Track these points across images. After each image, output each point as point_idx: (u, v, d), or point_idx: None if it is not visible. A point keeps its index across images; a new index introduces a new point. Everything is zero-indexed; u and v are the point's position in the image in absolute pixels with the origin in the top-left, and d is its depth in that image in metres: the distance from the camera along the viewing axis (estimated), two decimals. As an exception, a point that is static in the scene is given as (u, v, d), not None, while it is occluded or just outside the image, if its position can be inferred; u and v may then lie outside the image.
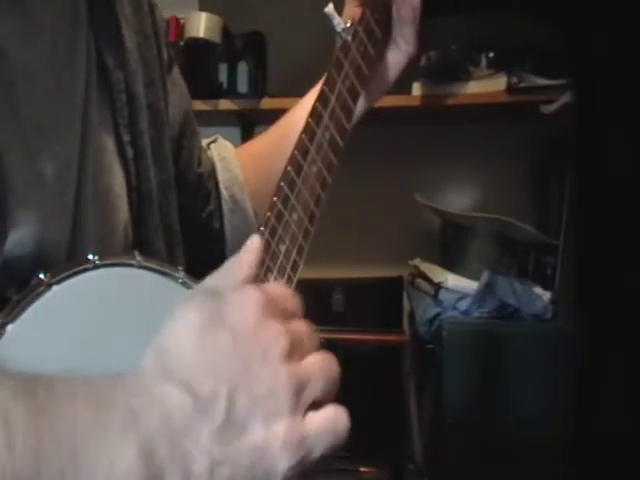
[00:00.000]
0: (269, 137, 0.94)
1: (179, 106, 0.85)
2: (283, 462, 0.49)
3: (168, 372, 0.50)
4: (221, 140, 0.96)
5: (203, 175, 0.89)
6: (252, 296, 0.52)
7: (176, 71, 0.86)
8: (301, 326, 0.54)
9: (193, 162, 0.88)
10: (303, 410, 0.51)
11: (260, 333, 0.51)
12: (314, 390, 0.51)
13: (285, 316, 0.53)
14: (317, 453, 0.51)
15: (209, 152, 0.93)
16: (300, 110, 0.86)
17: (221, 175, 0.91)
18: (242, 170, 0.93)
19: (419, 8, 0.84)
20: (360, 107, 0.84)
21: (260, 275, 0.59)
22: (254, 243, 0.58)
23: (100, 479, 0.47)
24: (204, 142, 0.93)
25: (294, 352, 0.51)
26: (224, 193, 0.90)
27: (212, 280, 0.56)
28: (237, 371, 0.50)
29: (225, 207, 0.90)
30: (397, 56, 0.87)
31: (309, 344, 0.54)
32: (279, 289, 0.56)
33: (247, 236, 0.80)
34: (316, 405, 0.51)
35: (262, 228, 0.60)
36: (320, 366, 0.52)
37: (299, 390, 0.50)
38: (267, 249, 0.61)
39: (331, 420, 0.51)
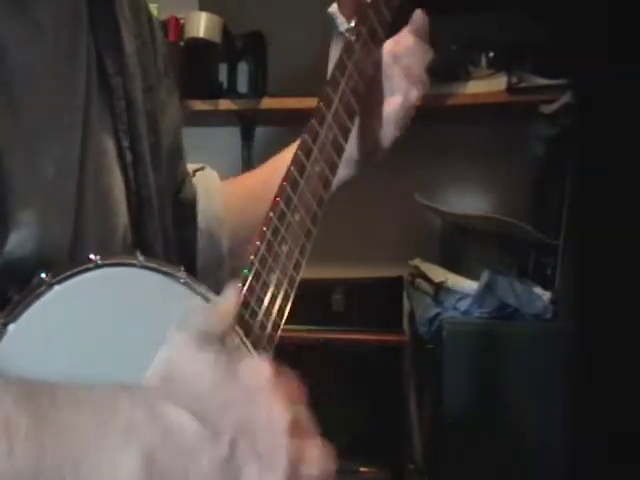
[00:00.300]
0: (263, 172, 0.93)
1: (169, 136, 0.84)
2: None
3: (177, 396, 0.52)
4: (208, 170, 0.95)
5: (182, 202, 0.88)
6: (266, 367, 0.55)
7: (172, 89, 0.86)
8: (302, 410, 0.56)
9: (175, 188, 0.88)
10: None
11: (269, 399, 0.53)
12: (310, 469, 0.53)
13: (291, 399, 0.55)
14: None
15: (194, 179, 0.92)
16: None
17: (202, 206, 0.90)
18: (233, 206, 0.92)
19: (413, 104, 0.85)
20: (345, 174, 0.85)
21: (262, 277, 0.59)
22: (233, 291, 0.60)
23: None
24: (191, 167, 0.92)
25: (295, 430, 0.53)
26: (201, 225, 0.90)
27: (202, 317, 0.58)
28: (243, 420, 0.52)
29: (200, 240, 0.89)
30: (386, 132, 0.86)
31: (310, 430, 0.56)
32: (288, 376, 0.58)
33: (216, 271, 0.84)
34: None
35: (264, 229, 0.60)
36: (317, 453, 0.54)
37: (296, 462, 0.52)
38: (270, 250, 0.61)
39: None
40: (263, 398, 0.53)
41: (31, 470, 0.46)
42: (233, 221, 0.91)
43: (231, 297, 0.60)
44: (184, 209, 0.88)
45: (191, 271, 0.87)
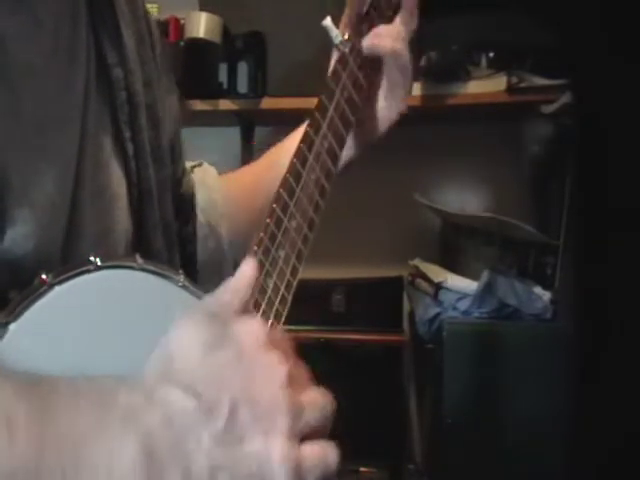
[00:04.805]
0: (261, 165, 0.94)
1: (168, 132, 0.84)
2: (281, 477, 0.50)
3: (172, 376, 0.51)
4: (205, 165, 0.96)
5: (183, 196, 0.89)
6: (258, 326, 0.55)
7: (171, 88, 0.86)
8: (297, 363, 0.56)
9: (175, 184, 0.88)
10: (299, 436, 0.52)
11: (264, 357, 0.53)
12: (310, 419, 0.53)
13: (284, 353, 0.55)
14: (311, 479, 0.52)
15: (192, 175, 0.93)
16: (292, 140, 0.87)
17: (200, 199, 0.91)
18: (232, 198, 0.93)
19: (410, 71, 0.84)
20: (348, 156, 0.86)
21: (258, 283, 0.60)
22: (249, 266, 0.59)
23: (101, 476, 0.48)
24: (188, 164, 0.93)
25: (292, 382, 0.53)
26: (200, 218, 0.90)
27: (212, 299, 0.58)
28: (239, 387, 0.51)
29: (200, 232, 0.90)
30: (387, 113, 0.87)
31: (305, 380, 0.55)
32: (278, 332, 0.58)
33: (219, 263, 0.83)
34: (310, 437, 0.53)
35: (262, 234, 0.61)
36: (317, 399, 0.54)
37: (296, 415, 0.52)
38: (266, 254, 0.61)
39: (323, 452, 0.53)
40: (258, 357, 0.52)
41: (32, 459, 0.46)
42: (232, 215, 0.92)
43: (247, 271, 0.59)
44: (184, 204, 0.89)
45: (192, 265, 0.88)
